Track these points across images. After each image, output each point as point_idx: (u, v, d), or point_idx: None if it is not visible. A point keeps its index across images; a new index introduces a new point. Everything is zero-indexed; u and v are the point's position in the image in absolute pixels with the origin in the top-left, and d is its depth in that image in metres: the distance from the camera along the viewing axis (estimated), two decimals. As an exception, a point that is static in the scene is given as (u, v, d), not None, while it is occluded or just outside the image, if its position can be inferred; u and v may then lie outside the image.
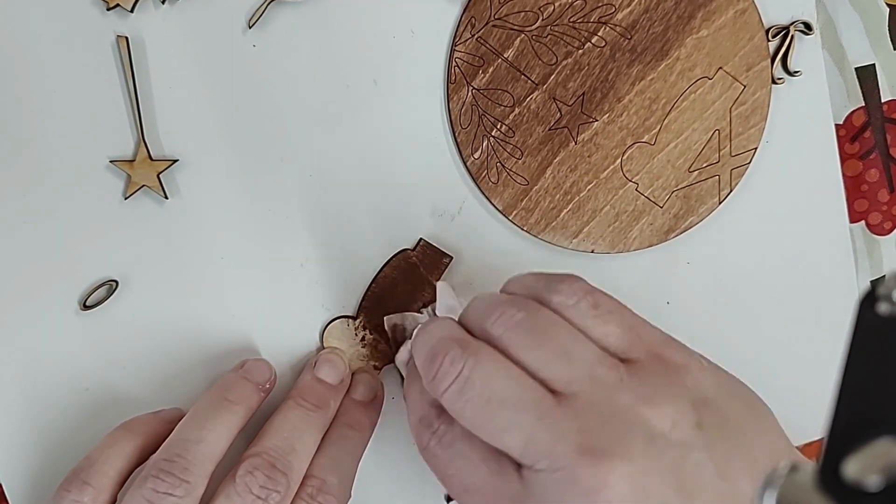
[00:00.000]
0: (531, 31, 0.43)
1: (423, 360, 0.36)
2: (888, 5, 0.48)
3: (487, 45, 0.43)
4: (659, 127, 0.45)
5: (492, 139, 0.44)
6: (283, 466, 0.38)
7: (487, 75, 0.43)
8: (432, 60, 0.43)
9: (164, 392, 0.42)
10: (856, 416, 0.21)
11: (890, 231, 0.51)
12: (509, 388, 0.34)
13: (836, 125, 0.48)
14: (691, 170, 0.45)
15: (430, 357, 0.35)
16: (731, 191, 0.46)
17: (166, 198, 0.41)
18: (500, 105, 0.43)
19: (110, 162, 0.40)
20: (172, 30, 0.40)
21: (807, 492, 0.21)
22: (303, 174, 0.42)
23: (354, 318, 0.44)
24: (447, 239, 0.44)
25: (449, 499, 0.46)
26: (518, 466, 0.33)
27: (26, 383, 0.41)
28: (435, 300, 0.42)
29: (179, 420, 0.40)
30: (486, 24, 0.43)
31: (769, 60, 0.46)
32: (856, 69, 0.49)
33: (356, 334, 0.44)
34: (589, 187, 0.45)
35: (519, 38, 0.43)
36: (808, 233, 0.48)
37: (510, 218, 0.44)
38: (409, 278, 0.44)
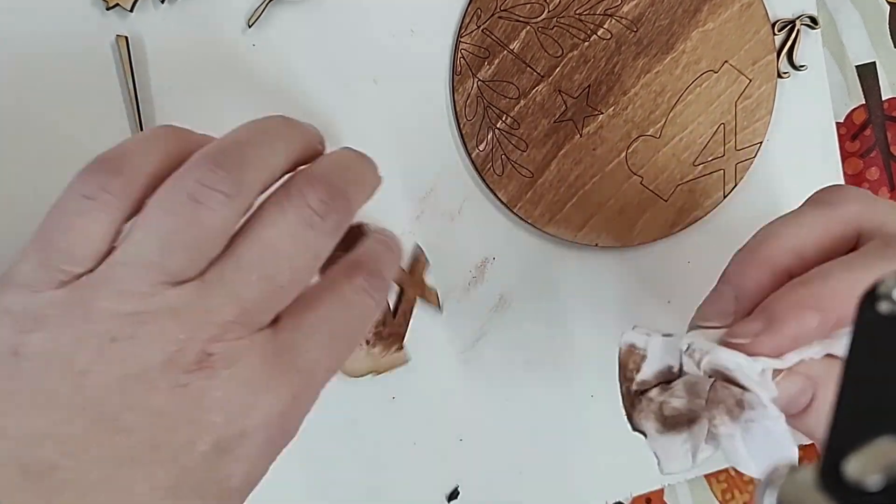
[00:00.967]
0: (537, 22, 0.43)
1: None
2: (889, 3, 0.48)
3: (493, 37, 0.43)
4: (664, 120, 0.45)
5: (497, 131, 0.44)
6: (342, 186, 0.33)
7: (493, 67, 0.43)
8: (434, 56, 0.43)
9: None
10: (857, 416, 0.21)
11: (892, 228, 0.51)
12: None
13: (837, 123, 0.48)
14: (696, 163, 0.45)
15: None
16: (735, 185, 0.46)
17: (168, 193, 0.41)
18: (506, 97, 0.43)
19: (111, 159, 0.40)
20: (172, 29, 0.40)
21: (807, 491, 0.21)
22: (305, 169, 0.42)
23: None
24: (451, 232, 0.44)
25: (450, 498, 0.46)
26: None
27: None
28: None
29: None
30: (492, 15, 0.43)
31: (775, 54, 0.45)
32: (856, 67, 0.49)
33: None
34: (594, 180, 0.45)
35: (525, 30, 0.43)
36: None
37: (515, 211, 0.44)
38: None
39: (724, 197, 0.46)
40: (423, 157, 0.43)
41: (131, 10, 0.39)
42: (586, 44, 0.44)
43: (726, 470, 0.50)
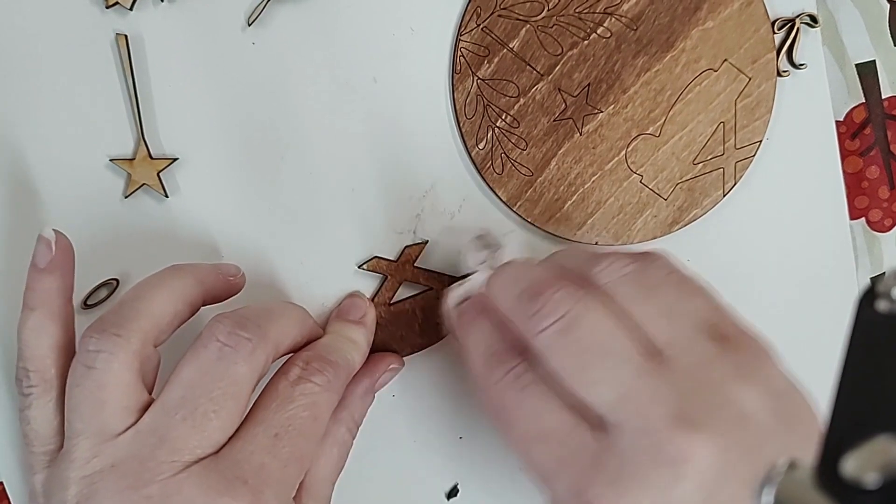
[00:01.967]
0: (537, 21, 0.43)
1: (519, 294, 0.35)
2: (889, 1, 0.48)
3: (493, 35, 0.43)
4: (664, 119, 0.45)
5: (496, 130, 0.44)
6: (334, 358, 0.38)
7: (493, 65, 0.43)
8: (433, 55, 0.43)
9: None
10: (854, 414, 0.21)
11: (890, 228, 0.51)
12: (615, 338, 0.33)
13: (837, 122, 0.48)
14: (696, 162, 0.45)
15: (533, 292, 0.34)
16: (735, 183, 0.46)
17: (166, 196, 0.41)
18: (506, 95, 0.43)
19: (110, 161, 0.40)
20: (172, 27, 0.40)
21: (805, 489, 0.21)
22: (303, 172, 0.42)
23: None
24: (451, 230, 0.44)
25: (450, 496, 0.46)
26: (592, 424, 0.32)
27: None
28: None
29: (240, 275, 0.40)
30: (492, 13, 0.43)
31: (774, 53, 0.45)
32: (856, 65, 0.49)
33: None
34: (593, 179, 0.45)
35: (524, 29, 0.43)
36: (809, 229, 0.48)
37: (514, 209, 0.44)
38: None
39: (724, 195, 0.46)
40: (423, 156, 0.44)
41: (131, 9, 0.39)
42: (586, 42, 0.44)
43: None
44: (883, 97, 0.49)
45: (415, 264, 0.44)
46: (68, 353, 0.36)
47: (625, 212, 0.45)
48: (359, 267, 0.43)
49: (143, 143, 0.40)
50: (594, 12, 0.43)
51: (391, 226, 0.44)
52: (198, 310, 0.38)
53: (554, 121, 0.44)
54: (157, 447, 0.33)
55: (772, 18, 0.45)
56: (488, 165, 0.44)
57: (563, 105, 0.44)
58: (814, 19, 0.46)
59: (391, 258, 0.43)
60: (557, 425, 0.33)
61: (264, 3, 0.40)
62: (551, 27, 0.43)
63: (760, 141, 0.46)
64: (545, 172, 0.44)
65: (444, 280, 0.43)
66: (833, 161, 0.48)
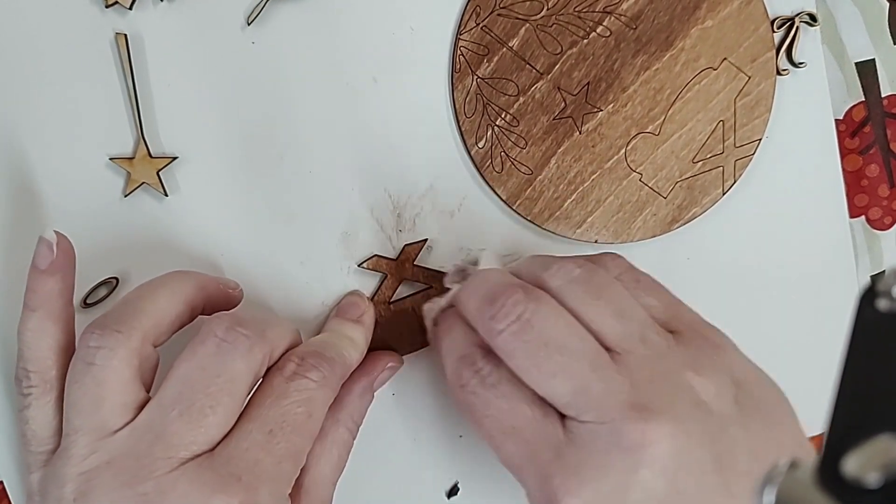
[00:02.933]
0: (536, 20, 0.43)
1: (480, 301, 0.36)
2: (888, 0, 0.48)
3: (492, 34, 0.43)
4: (663, 117, 0.45)
5: (496, 128, 0.44)
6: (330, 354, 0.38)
7: (492, 64, 0.43)
8: (433, 54, 0.43)
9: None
10: (855, 413, 0.21)
11: (890, 226, 0.51)
12: (567, 336, 0.34)
13: (836, 120, 0.48)
14: (695, 160, 0.45)
15: (491, 298, 0.36)
16: (734, 182, 0.46)
17: (166, 195, 0.41)
18: (505, 94, 0.43)
19: (110, 159, 0.40)
20: (171, 27, 0.40)
21: (806, 488, 0.21)
22: (303, 171, 0.42)
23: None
24: (451, 229, 0.44)
25: (450, 495, 0.46)
26: (561, 416, 0.34)
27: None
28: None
29: (238, 290, 0.40)
30: (492, 12, 0.43)
31: (774, 51, 0.45)
32: (856, 64, 0.49)
33: None
34: (593, 177, 0.45)
35: (524, 28, 0.43)
36: (809, 228, 0.48)
37: (514, 208, 0.44)
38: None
39: (723, 194, 0.46)
40: (423, 155, 0.43)
41: (130, 8, 0.39)
42: (585, 41, 0.44)
43: None
44: (882, 95, 0.49)
45: (415, 262, 0.44)
46: (69, 354, 0.36)
47: (624, 210, 0.45)
48: (359, 265, 0.43)
49: (142, 141, 0.40)
50: (593, 11, 0.43)
51: (391, 224, 0.44)
52: (198, 314, 0.38)
53: (553, 119, 0.44)
54: (154, 444, 0.33)
55: (771, 17, 0.45)
56: (488, 164, 0.44)
57: (563, 104, 0.44)
58: (813, 18, 0.46)
59: (391, 257, 0.43)
60: (523, 421, 0.35)
61: (264, 2, 0.40)
62: (551, 26, 0.43)
63: (760, 139, 0.46)
64: (545, 171, 0.44)
65: (443, 278, 0.43)
66: (833, 159, 0.48)
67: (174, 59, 0.40)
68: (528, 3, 0.43)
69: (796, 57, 0.46)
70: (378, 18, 0.42)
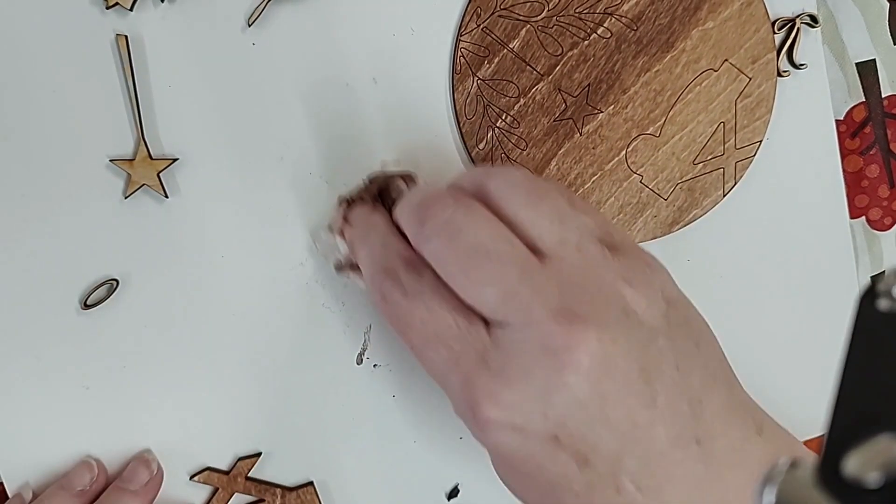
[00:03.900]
0: (537, 21, 0.43)
1: (412, 209, 0.36)
2: (888, 0, 0.48)
3: (493, 36, 0.43)
4: (664, 119, 0.45)
5: (497, 130, 0.44)
6: None
7: (493, 66, 0.43)
8: (434, 56, 0.43)
9: (164, 392, 0.42)
10: (856, 413, 0.21)
11: (890, 227, 0.51)
12: (497, 241, 0.33)
13: (837, 121, 0.48)
14: (696, 162, 0.46)
15: (422, 205, 0.35)
16: (735, 183, 0.46)
17: (166, 197, 0.41)
18: (506, 96, 0.43)
19: (110, 161, 0.40)
20: (172, 28, 0.40)
21: (806, 488, 0.21)
22: (303, 172, 0.42)
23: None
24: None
25: (450, 497, 0.46)
26: (486, 324, 0.33)
27: (27, 382, 0.41)
28: None
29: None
30: (492, 14, 0.43)
31: (775, 53, 0.46)
32: (856, 64, 0.49)
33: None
34: (593, 179, 0.45)
35: (525, 29, 0.43)
36: (809, 228, 0.48)
37: (514, 209, 0.44)
38: None
39: (724, 196, 0.46)
40: (423, 156, 0.44)
41: (131, 9, 0.39)
42: (586, 42, 0.44)
43: None
44: (883, 96, 0.49)
45: (248, 476, 0.43)
46: None
47: (625, 212, 0.45)
48: (190, 478, 0.43)
49: (143, 143, 0.40)
50: (594, 13, 0.43)
51: (391, 226, 0.44)
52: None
53: (554, 121, 0.44)
54: None
55: (772, 18, 0.45)
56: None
57: (564, 105, 0.44)
58: (814, 19, 0.46)
59: (224, 469, 0.43)
60: (446, 328, 0.34)
61: (264, 3, 0.40)
62: (551, 27, 0.43)
63: (761, 141, 0.46)
64: (545, 173, 0.44)
65: (276, 490, 0.43)
66: (833, 160, 0.48)
67: (175, 61, 0.40)
68: (528, 4, 0.43)
69: (797, 58, 0.46)
70: (378, 19, 0.42)
